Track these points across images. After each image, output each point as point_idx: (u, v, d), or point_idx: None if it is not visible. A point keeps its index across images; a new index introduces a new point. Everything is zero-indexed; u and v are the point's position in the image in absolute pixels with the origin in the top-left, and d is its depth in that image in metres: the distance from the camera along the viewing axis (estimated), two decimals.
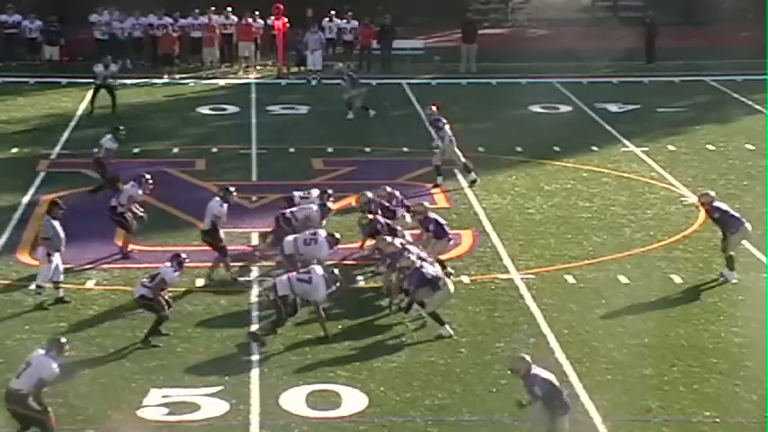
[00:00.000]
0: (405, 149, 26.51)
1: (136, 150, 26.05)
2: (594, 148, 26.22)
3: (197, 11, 36.25)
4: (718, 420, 13.71)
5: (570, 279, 18.18)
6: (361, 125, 28.76)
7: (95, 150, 22.98)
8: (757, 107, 30.50)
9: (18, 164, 24.78)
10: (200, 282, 18.21)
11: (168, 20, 36.02)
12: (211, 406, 14.24)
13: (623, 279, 18.17)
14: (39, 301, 17.03)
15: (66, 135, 27.42)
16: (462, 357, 15.61)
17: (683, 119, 29.31)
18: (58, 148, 26.18)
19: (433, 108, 24.53)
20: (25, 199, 22.13)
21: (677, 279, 18.09)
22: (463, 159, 23.41)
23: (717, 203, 18.28)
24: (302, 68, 35.88)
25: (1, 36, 35.72)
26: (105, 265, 18.78)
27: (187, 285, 17.98)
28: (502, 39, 40.37)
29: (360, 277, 18.54)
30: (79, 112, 29.85)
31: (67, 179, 23.52)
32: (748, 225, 18.37)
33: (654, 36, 36.36)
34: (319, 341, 15.98)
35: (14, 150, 25.87)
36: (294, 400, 14.38)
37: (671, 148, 26.33)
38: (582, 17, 43.20)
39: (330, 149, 26.28)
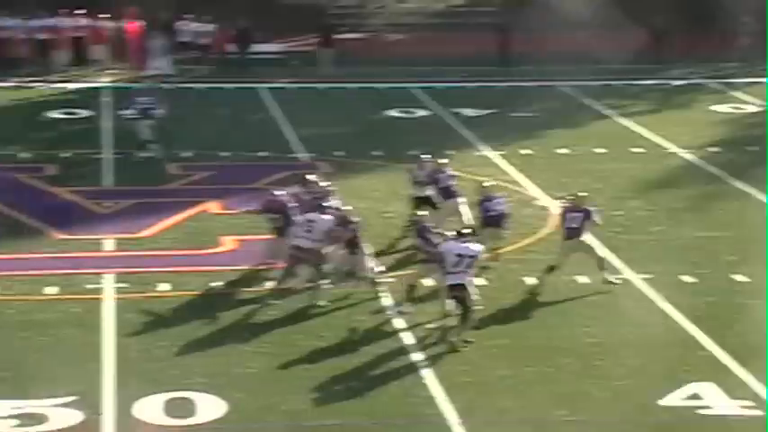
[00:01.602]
0: (262, 154, 26.34)
1: None
2: (451, 152, 26.46)
3: (46, 13, 35.43)
4: (572, 419, 13.95)
5: (429, 282, 18.26)
6: (219, 129, 28.48)
7: None
8: (606, 112, 31.24)
9: None
10: (50, 290, 17.74)
11: (15, 22, 35.09)
12: (63, 417, 13.87)
13: (479, 281, 18.35)
14: None
15: None
16: (320, 361, 15.54)
17: (537, 123, 29.84)
18: None
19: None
20: None
21: (531, 281, 18.36)
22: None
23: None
24: (156, 72, 35.41)
25: None
26: None
27: (39, 293, 17.52)
28: (359, 43, 40.50)
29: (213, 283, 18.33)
30: None
31: None
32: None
33: (508, 41, 36.95)
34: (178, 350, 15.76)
35: None
36: (150, 408, 14.12)
37: (525, 152, 26.77)
38: (437, 22, 43.65)
39: (186, 154, 25.95)
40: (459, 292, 15.78)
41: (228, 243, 20.21)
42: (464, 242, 15.96)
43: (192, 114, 30.17)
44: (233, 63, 36.09)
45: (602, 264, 18.27)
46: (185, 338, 16.16)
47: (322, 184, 19.51)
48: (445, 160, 21.04)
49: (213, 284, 18.21)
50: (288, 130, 28.74)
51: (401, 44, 40.70)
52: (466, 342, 15.89)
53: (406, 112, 31.10)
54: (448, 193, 20.02)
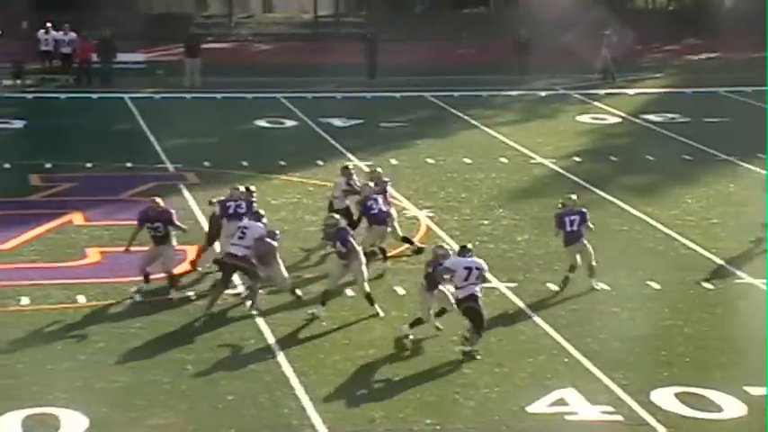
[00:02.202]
0: (128, 165, 25.96)
1: None
2: (320, 163, 26.49)
3: None
4: (438, 427, 14.02)
5: (298, 292, 18.19)
6: (82, 140, 27.97)
7: None
8: (473, 122, 31.64)
9: None
10: None
11: None
12: None
13: (349, 292, 18.36)
14: None
15: None
16: (188, 374, 15.35)
17: (405, 133, 30.05)
18: None
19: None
20: None
21: (400, 290, 18.45)
22: None
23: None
24: (18, 81, 34.67)
25: None
26: None
27: None
28: (226, 53, 40.33)
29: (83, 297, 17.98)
30: None
31: None
32: None
33: (375, 52, 37.17)
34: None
35: None
36: (10, 425, 13.73)
37: (393, 162, 26.91)
38: (305, 32, 43.73)
39: (48, 165, 25.41)
40: (473, 302, 15.84)
41: (93, 255, 19.83)
42: (469, 256, 16.09)
43: (54, 124, 29.58)
44: (97, 73, 35.51)
45: (592, 272, 18.54)
46: (47, 353, 15.78)
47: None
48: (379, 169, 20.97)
49: (78, 297, 17.84)
50: (154, 140, 28.39)
51: (269, 54, 40.65)
52: (473, 353, 15.90)
53: (275, 123, 31.01)
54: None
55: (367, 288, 17.30)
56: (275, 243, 17.67)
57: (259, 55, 40.48)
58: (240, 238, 17.47)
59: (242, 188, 19.17)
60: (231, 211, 18.70)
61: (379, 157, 27.28)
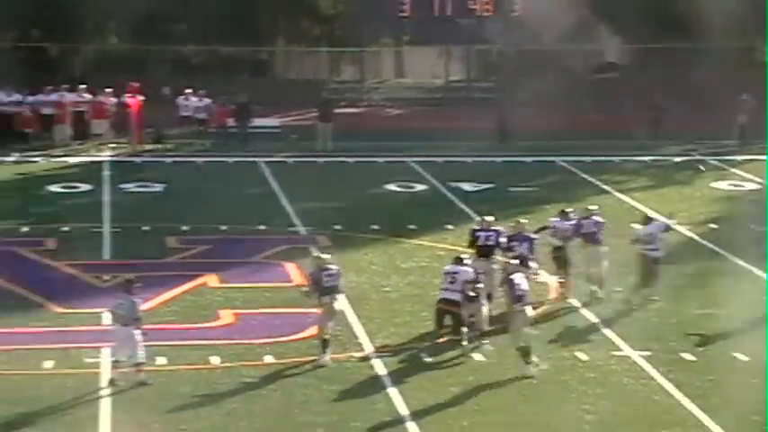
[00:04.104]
0: (261, 227, 26.41)
1: None
2: (449, 227, 26.54)
3: (49, 88, 35.77)
4: None
5: (426, 357, 18.20)
6: (218, 203, 28.59)
7: None
8: (605, 187, 31.35)
9: None
10: (47, 364, 17.68)
11: (18, 96, 35.43)
12: None
13: (477, 357, 18.30)
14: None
15: None
16: None
17: (535, 198, 29.93)
18: None
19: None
20: None
21: (534, 357, 18.29)
22: None
23: None
24: (159, 146, 35.69)
25: None
26: None
27: (36, 368, 17.46)
28: (358, 118, 40.83)
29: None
30: None
31: None
32: None
33: (506, 116, 37.21)
34: None
35: None
36: None
37: None
38: (436, 97, 44.04)
39: (185, 227, 26.01)
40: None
41: (227, 317, 20.17)
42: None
43: (191, 188, 30.31)
44: (232, 137, 36.34)
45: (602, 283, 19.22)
46: (182, 413, 16.07)
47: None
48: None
49: (211, 358, 18.15)
50: (287, 203, 28.86)
51: (400, 118, 41.04)
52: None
53: (404, 186, 31.22)
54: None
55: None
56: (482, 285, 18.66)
57: (390, 119, 40.92)
58: (451, 282, 18.36)
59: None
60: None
61: (507, 221, 27.17)
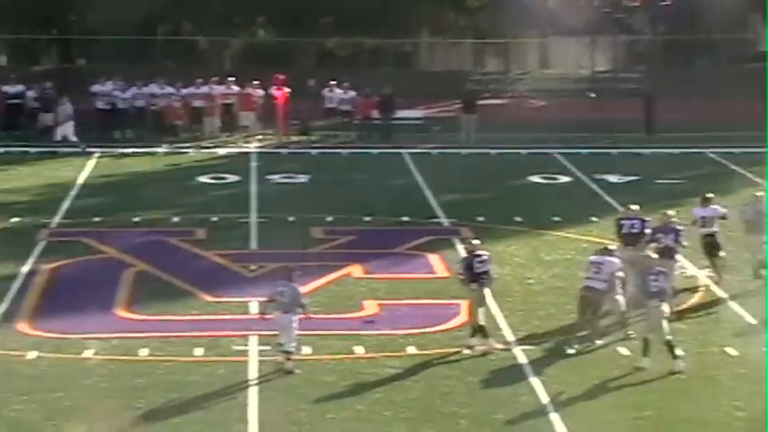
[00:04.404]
0: (404, 219, 26.57)
1: (136, 219, 26.12)
2: (594, 219, 26.27)
3: (200, 80, 36.62)
4: None
5: (570, 350, 18.09)
6: (362, 194, 28.87)
7: None
8: (757, 180, 30.56)
9: (18, 233, 24.81)
10: (198, 351, 18.15)
11: (170, 89, 36.36)
12: None
13: (623, 350, 18.11)
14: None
15: (66, 204, 27.49)
16: (461, 429, 15.50)
17: (682, 190, 29.35)
18: (58, 218, 26.22)
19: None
20: (24, 269, 22.10)
21: (678, 351, 18.01)
22: None
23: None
24: (304, 138, 36.22)
25: (3, 106, 35.96)
26: (104, 335, 18.69)
27: (187, 355, 17.94)
28: (501, 109, 40.66)
29: None
30: (80, 182, 29.98)
31: (67, 249, 23.52)
32: None
33: (653, 107, 36.61)
34: None
35: (15, 220, 25.92)
36: None
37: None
38: (581, 88, 43.56)
39: (330, 218, 26.33)
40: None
41: (371, 307, 20.38)
42: None
43: (335, 179, 30.68)
44: (376, 129, 36.62)
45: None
46: (327, 402, 16.31)
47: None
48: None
49: (355, 348, 18.37)
50: (430, 194, 28.96)
51: (544, 110, 40.71)
52: None
53: (548, 178, 31.01)
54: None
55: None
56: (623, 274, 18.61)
57: (535, 111, 40.63)
58: (596, 272, 18.27)
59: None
60: None
61: (653, 214, 26.76)
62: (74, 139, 34.23)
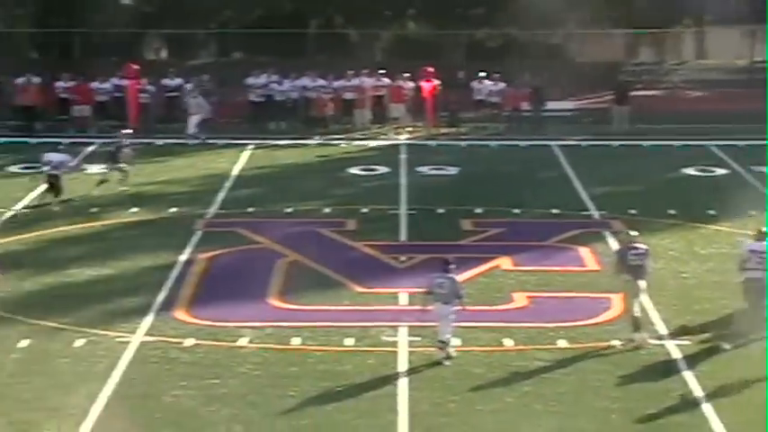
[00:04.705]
0: (554, 211, 26.38)
1: (288, 210, 26.55)
2: (752, 212, 25.62)
3: (350, 73, 36.99)
4: None
5: (725, 345, 17.72)
6: (511, 186, 28.76)
7: None
8: None
9: (176, 223, 25.49)
10: (348, 341, 18.38)
11: (322, 82, 36.83)
12: None
13: None
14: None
15: (221, 195, 28.13)
16: (612, 423, 15.35)
17: None
18: (213, 208, 26.85)
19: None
20: (182, 258, 22.71)
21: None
22: None
23: None
24: (453, 129, 36.25)
25: (162, 99, 36.97)
26: (258, 323, 19.08)
27: (338, 344, 18.19)
28: (655, 100, 39.97)
29: None
30: (234, 173, 30.64)
31: (222, 238, 24.07)
32: None
33: None
34: None
35: (173, 210, 26.64)
36: None
37: None
38: (739, 79, 42.52)
39: (479, 210, 26.32)
40: None
41: (520, 300, 20.31)
42: None
43: (485, 171, 30.63)
44: (526, 120, 36.42)
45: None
46: (476, 393, 16.34)
47: None
48: None
49: (504, 341, 18.34)
50: (580, 187, 28.68)
51: (700, 101, 39.88)
52: None
53: (703, 171, 30.37)
54: None
55: None
56: None
57: (690, 102, 39.84)
58: (759, 262, 17.72)
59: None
60: None
61: None
62: (192, 130, 34.91)
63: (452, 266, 17.81)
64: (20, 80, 35.85)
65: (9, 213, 25.74)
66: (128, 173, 28.41)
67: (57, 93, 36.21)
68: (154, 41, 47.45)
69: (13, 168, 30.60)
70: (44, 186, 26.55)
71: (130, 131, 30.24)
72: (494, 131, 35.94)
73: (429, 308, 17.67)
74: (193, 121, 34.77)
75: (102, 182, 28.18)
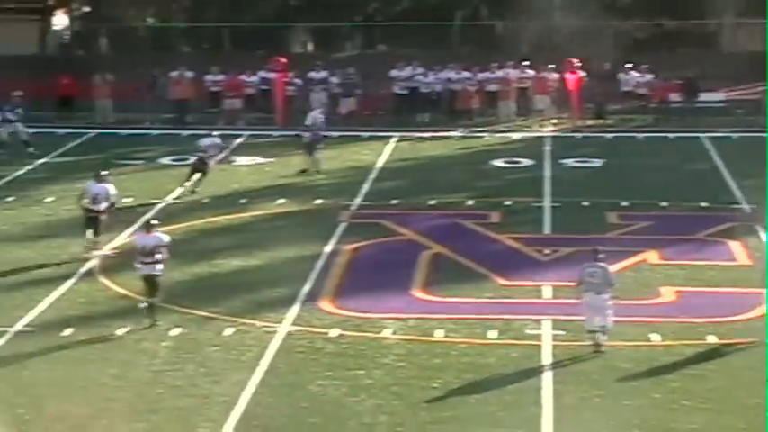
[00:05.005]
0: (703, 204, 25.85)
1: (432, 202, 26.63)
2: None
3: (494, 65, 36.86)
4: None
5: None
6: (658, 179, 28.28)
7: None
8: None
9: (321, 215, 25.81)
10: (491, 334, 18.35)
11: (466, 74, 36.80)
12: None
13: None
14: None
15: (366, 187, 28.37)
16: (763, 422, 14.96)
17: None
18: (358, 200, 27.10)
19: None
20: (327, 249, 22.98)
21: None
22: None
23: None
24: (599, 121, 35.82)
25: (306, 91, 37.42)
26: (402, 315, 19.20)
27: (481, 337, 18.19)
28: None
29: None
30: (379, 165, 30.86)
31: (367, 230, 24.28)
32: None
33: None
34: None
35: (318, 202, 26.98)
36: None
37: None
38: None
39: (625, 203, 25.96)
40: None
41: (668, 294, 19.98)
42: None
43: (631, 163, 30.20)
44: (674, 112, 35.74)
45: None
46: (622, 389, 16.14)
47: None
48: None
49: (651, 336, 18.07)
50: (730, 179, 28.04)
51: None
52: None
53: None
54: None
55: None
56: None
57: None
58: None
59: None
60: None
61: None
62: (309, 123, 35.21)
63: (602, 255, 17.65)
64: (173, 74, 36.76)
65: (162, 204, 26.42)
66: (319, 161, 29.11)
67: (207, 86, 37.01)
68: (300, 34, 48.10)
69: (165, 160, 31.42)
70: (196, 174, 27.12)
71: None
72: (640, 123, 35.39)
73: (582, 299, 17.52)
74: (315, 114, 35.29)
75: (303, 171, 29.04)
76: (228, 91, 36.50)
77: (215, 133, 29.14)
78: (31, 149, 31.28)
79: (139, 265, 18.77)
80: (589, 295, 17.43)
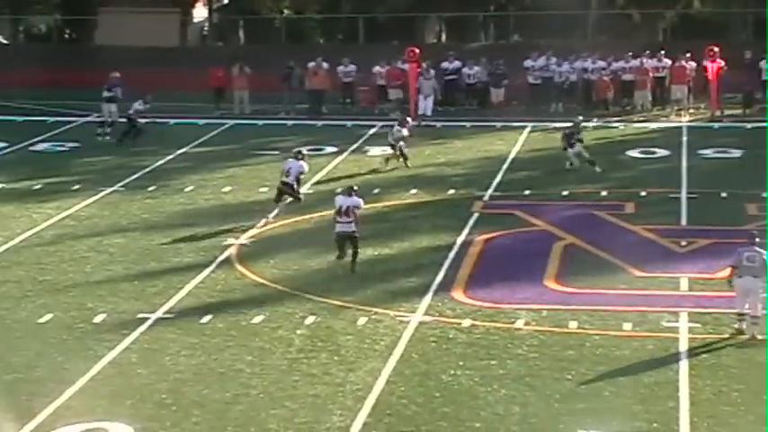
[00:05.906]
0: None
1: (565, 193, 26.43)
2: None
3: (630, 54, 36.37)
4: None
5: None
6: None
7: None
8: None
9: (454, 205, 25.84)
10: (626, 326, 18.15)
11: (602, 63, 36.40)
12: None
13: None
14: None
15: (499, 177, 28.30)
16: None
17: None
18: (490, 190, 27.05)
19: None
20: (459, 239, 23.00)
21: None
22: None
23: None
24: (740, 111, 35.03)
25: (441, 82, 37.45)
26: (534, 306, 19.13)
27: (616, 329, 18.01)
28: None
29: None
30: (512, 155, 30.74)
31: (499, 221, 24.23)
32: None
33: None
34: None
35: (451, 192, 27.01)
36: None
37: None
38: None
39: (764, 194, 25.34)
40: None
41: None
42: None
43: None
44: None
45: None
46: (762, 383, 15.78)
47: None
48: None
49: None
50: None
51: None
52: None
53: None
54: None
55: None
56: None
57: None
58: None
59: None
60: None
61: None
62: (428, 113, 35.11)
63: (758, 240, 17.34)
64: (311, 65, 37.18)
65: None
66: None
67: (340, 77, 37.34)
68: (434, 25, 48.18)
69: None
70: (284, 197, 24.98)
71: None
72: None
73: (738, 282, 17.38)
74: (428, 103, 35.27)
75: (388, 159, 28.95)
76: (392, 80, 36.64)
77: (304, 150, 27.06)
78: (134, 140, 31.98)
79: (336, 225, 20.82)
80: (746, 279, 17.16)
